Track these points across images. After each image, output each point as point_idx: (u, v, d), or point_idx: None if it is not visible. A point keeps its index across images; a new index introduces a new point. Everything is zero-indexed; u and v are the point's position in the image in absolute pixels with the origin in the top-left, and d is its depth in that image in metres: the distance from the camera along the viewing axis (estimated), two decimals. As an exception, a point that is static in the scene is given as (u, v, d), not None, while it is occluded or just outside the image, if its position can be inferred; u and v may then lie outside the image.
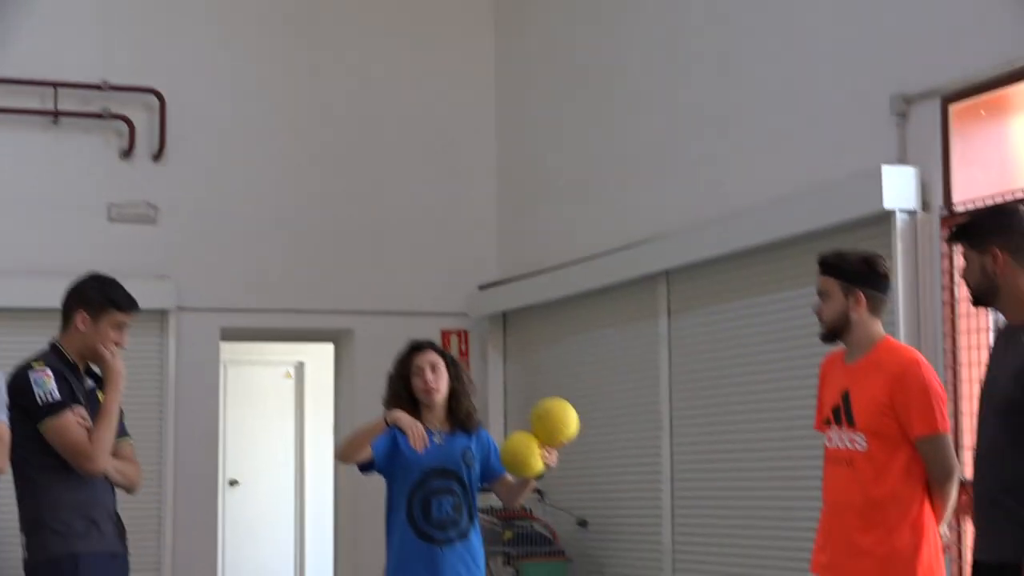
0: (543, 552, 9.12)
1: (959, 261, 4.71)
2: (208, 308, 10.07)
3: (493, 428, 9.91)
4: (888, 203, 6.61)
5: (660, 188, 8.74)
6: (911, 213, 6.63)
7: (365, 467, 5.97)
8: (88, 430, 5.23)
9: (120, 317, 5.39)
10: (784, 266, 7.52)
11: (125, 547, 5.43)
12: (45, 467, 5.21)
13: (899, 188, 6.62)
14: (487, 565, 8.83)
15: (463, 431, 5.97)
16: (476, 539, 5.98)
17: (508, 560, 9.04)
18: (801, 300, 7.02)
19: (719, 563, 8.00)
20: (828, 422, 5.05)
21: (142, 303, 9.42)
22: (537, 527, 9.26)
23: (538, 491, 9.58)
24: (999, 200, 6.09)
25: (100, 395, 5.38)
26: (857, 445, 4.89)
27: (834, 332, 5.04)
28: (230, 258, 10.16)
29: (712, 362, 8.16)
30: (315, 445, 13.04)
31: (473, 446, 5.98)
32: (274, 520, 13.26)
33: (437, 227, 10.67)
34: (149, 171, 10.02)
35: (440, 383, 5.95)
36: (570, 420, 5.64)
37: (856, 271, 5.00)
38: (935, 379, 4.88)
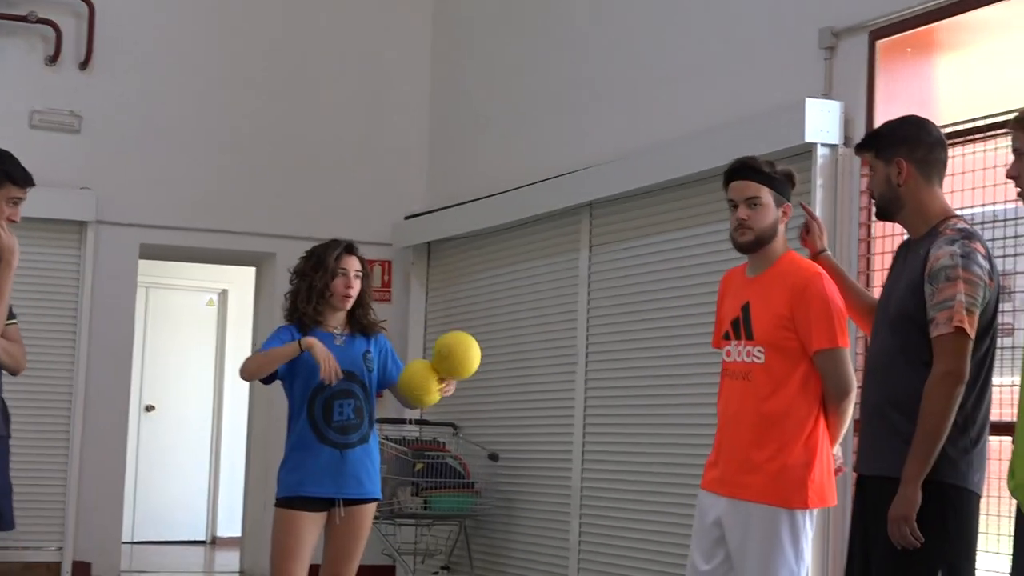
0: (453, 484, 9.04)
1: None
2: (128, 223, 9.90)
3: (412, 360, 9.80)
4: (810, 136, 6.54)
5: (588, 121, 8.65)
6: (832, 147, 6.58)
7: (268, 378, 5.93)
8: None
9: (15, 192, 5.25)
10: (704, 200, 7.44)
11: (8, 430, 5.31)
12: (-69, 346, 5.08)
13: (822, 122, 6.55)
14: (395, 494, 8.81)
15: (363, 335, 5.92)
16: (374, 443, 5.95)
17: (417, 491, 8.94)
18: (721, 236, 6.93)
19: (625, 499, 7.94)
20: (727, 336, 4.96)
21: (61, 213, 9.51)
22: (449, 459, 9.17)
23: (451, 424, 9.53)
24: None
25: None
26: (755, 358, 4.78)
27: (760, 242, 4.84)
28: (154, 174, 9.98)
29: (630, 297, 8.08)
30: (235, 374, 12.86)
31: (372, 349, 5.93)
32: (189, 447, 13.10)
33: (366, 156, 10.54)
34: (75, 79, 9.82)
35: (357, 291, 5.91)
36: (472, 359, 5.71)
37: (785, 183, 4.88)
38: (836, 294, 4.76)
